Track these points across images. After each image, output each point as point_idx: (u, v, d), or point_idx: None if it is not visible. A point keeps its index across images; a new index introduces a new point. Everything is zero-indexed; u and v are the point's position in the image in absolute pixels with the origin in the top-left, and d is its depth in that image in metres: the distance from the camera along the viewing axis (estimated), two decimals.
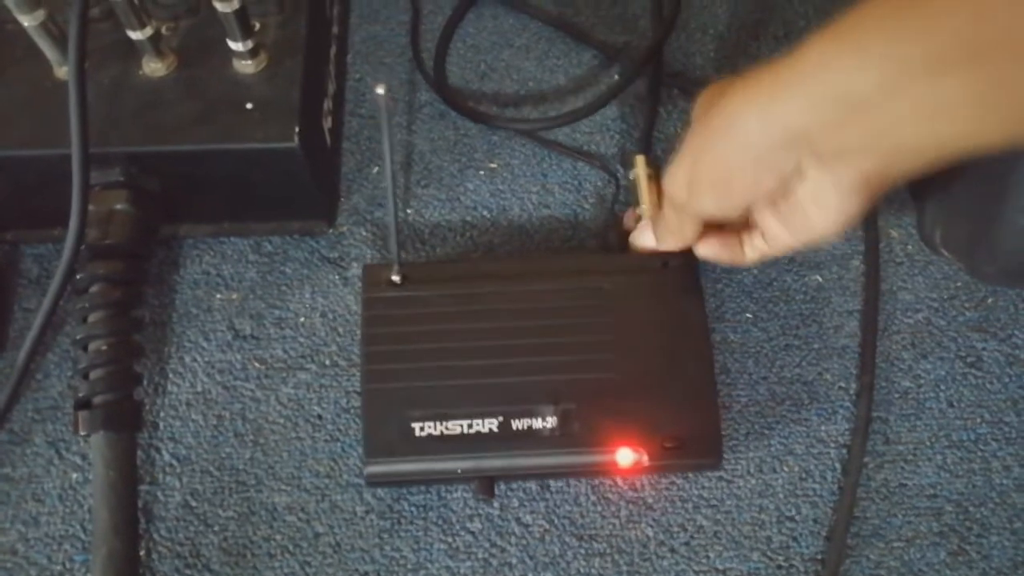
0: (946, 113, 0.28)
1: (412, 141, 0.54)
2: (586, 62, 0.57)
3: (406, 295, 0.44)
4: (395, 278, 0.44)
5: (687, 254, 0.45)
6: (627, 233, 0.48)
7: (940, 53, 0.27)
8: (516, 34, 0.58)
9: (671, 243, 0.44)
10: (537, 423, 0.42)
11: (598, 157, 0.53)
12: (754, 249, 0.41)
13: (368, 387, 0.43)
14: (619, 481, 0.46)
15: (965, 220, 0.46)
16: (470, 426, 0.42)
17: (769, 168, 0.34)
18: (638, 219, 0.48)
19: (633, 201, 0.49)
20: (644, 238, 0.46)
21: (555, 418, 0.42)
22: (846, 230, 0.36)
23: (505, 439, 0.42)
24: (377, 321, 0.44)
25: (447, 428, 0.42)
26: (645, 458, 0.41)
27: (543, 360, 0.43)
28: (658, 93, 0.54)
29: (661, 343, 0.44)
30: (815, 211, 0.35)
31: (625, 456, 0.41)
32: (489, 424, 0.42)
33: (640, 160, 0.48)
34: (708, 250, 0.43)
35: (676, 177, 0.38)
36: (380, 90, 0.32)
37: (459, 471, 0.42)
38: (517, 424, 0.42)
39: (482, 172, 0.53)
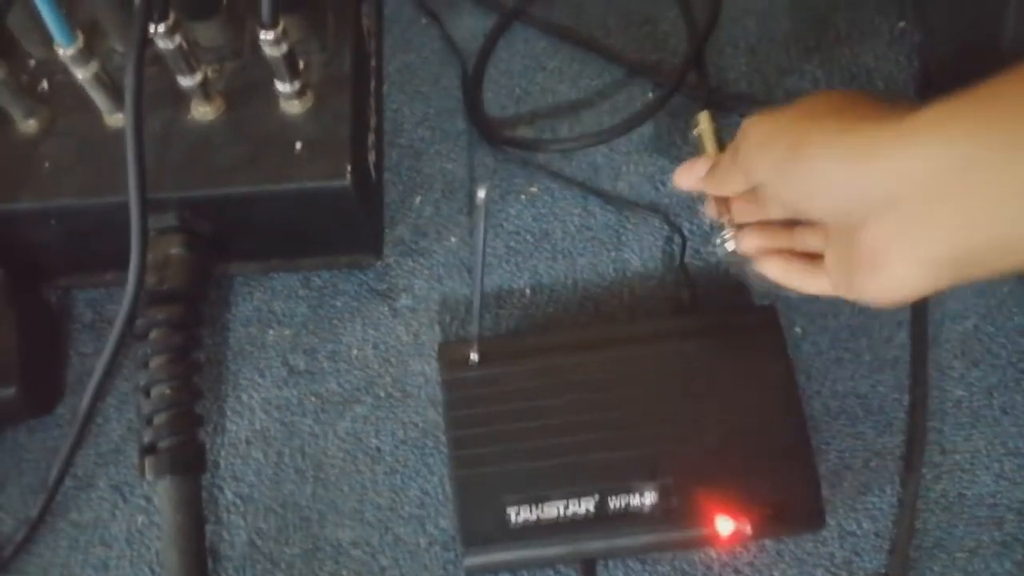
0: None
1: (452, 169, 0.54)
2: (620, 82, 0.57)
3: (487, 374, 0.43)
4: (474, 357, 0.44)
5: (769, 311, 0.46)
6: (697, 292, 0.48)
7: None
8: (548, 57, 0.58)
9: (716, 187, 0.42)
10: (635, 500, 0.41)
11: (655, 207, 0.53)
12: (818, 284, 0.40)
13: (458, 473, 0.42)
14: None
15: None
16: (566, 508, 0.41)
17: (847, 214, 0.33)
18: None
19: (699, 153, 0.47)
20: (690, 172, 0.44)
21: (653, 493, 0.41)
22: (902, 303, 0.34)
23: (603, 520, 0.41)
24: (460, 404, 0.43)
25: (543, 512, 0.41)
26: (748, 528, 0.40)
27: (635, 432, 0.42)
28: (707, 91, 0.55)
29: (752, 405, 0.43)
30: (880, 274, 0.33)
31: (727, 528, 0.40)
32: (586, 505, 0.41)
33: (704, 116, 0.46)
34: (771, 270, 0.42)
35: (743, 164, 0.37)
36: (481, 193, 0.32)
37: (558, 557, 0.41)
38: (614, 503, 0.41)
39: (523, 197, 0.53)
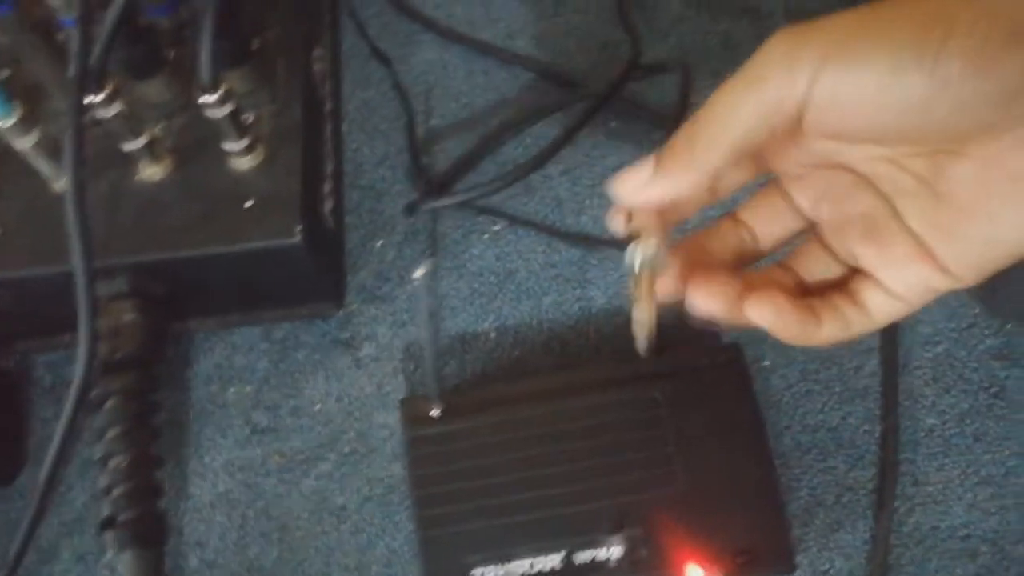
0: None
1: None
2: (580, 109, 0.56)
3: (450, 430, 0.43)
4: (435, 413, 0.43)
5: (734, 348, 0.45)
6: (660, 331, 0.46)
7: None
8: (508, 86, 0.57)
9: (681, 172, 0.29)
10: (602, 553, 0.40)
11: (614, 243, 0.52)
12: (841, 325, 0.31)
13: (423, 534, 0.41)
14: None
15: None
16: (532, 566, 0.40)
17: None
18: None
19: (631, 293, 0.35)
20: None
21: (620, 546, 0.41)
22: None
23: (570, 575, 0.40)
24: (423, 462, 0.42)
25: (508, 571, 0.40)
26: None
27: (600, 483, 0.42)
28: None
29: (718, 448, 0.42)
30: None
31: None
32: (552, 561, 0.40)
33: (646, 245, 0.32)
34: (763, 313, 0.31)
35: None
36: (419, 273, 0.31)
37: None
38: (581, 557, 0.40)
39: (486, 236, 0.53)
